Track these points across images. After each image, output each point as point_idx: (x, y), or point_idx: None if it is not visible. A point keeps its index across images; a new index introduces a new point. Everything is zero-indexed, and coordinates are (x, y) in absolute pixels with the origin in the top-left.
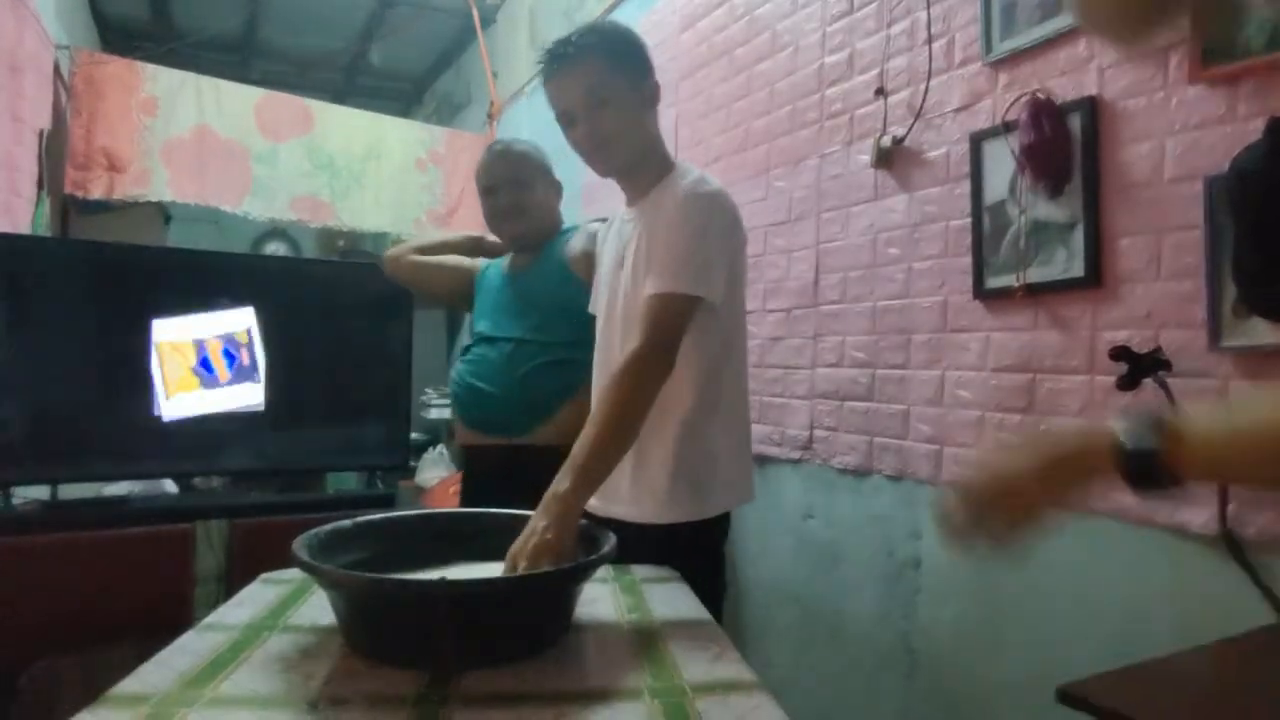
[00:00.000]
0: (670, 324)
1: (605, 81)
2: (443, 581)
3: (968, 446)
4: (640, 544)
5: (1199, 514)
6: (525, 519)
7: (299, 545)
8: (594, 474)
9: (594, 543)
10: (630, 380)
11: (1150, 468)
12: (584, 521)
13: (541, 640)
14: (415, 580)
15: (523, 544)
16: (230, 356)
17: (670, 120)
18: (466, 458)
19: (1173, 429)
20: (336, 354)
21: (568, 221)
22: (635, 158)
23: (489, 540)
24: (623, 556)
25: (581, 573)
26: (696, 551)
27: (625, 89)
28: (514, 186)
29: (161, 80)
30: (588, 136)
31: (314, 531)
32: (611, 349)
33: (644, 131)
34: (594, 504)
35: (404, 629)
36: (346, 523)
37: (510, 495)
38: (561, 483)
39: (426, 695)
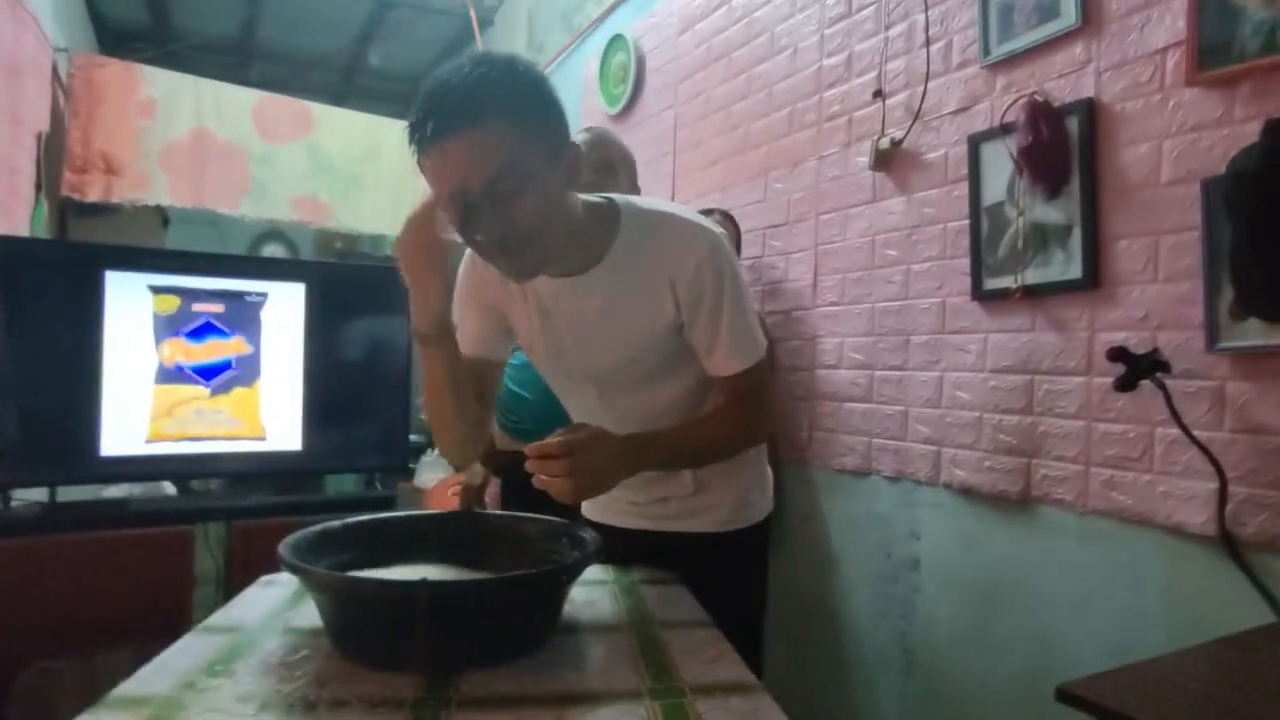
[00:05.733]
0: (765, 388)
1: (518, 154)
2: (422, 582)
3: (966, 447)
4: (700, 551)
5: (1197, 514)
6: (519, 521)
7: (285, 546)
8: (654, 465)
9: (579, 544)
10: (738, 441)
11: None
12: (565, 521)
13: (525, 643)
14: (393, 581)
15: (569, 469)
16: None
17: (669, 122)
18: (506, 467)
19: None
20: (335, 355)
21: None
22: (556, 254)
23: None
24: (686, 567)
25: (566, 575)
26: (758, 550)
27: (543, 162)
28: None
29: (160, 83)
30: (499, 232)
31: (302, 533)
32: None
33: (569, 216)
34: (649, 524)
35: (385, 630)
36: (335, 524)
37: (548, 507)
38: (639, 455)
39: (425, 698)
